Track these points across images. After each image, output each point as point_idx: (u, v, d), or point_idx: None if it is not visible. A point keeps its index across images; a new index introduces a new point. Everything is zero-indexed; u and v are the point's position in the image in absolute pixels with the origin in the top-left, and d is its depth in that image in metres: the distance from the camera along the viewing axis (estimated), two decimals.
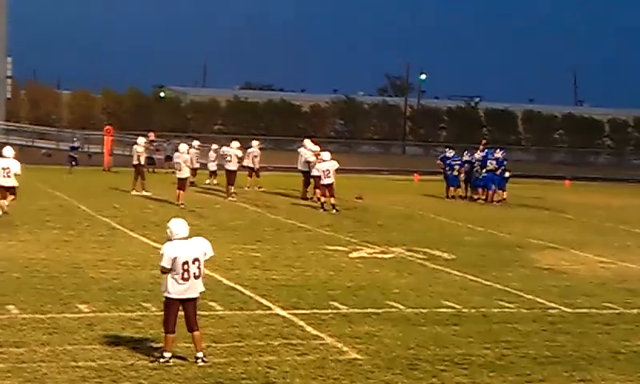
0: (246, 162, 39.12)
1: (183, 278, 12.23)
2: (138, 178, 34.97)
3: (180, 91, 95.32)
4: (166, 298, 12.34)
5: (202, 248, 12.48)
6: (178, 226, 12.46)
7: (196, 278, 12.33)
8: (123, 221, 26.48)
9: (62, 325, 14.06)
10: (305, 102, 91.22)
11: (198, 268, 12.33)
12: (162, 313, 12.38)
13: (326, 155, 32.41)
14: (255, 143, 40.87)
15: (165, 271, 12.27)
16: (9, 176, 26.38)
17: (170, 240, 12.36)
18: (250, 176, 39.45)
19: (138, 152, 35.77)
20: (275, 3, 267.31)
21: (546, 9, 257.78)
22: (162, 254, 12.29)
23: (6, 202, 26.33)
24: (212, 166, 41.22)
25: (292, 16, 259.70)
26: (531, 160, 79.21)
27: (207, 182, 40.24)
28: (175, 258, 12.20)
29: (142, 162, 35.65)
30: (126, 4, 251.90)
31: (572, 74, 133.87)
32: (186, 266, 12.22)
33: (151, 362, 12.23)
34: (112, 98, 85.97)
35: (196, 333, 12.41)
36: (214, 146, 42.04)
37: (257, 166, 39.89)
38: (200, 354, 12.35)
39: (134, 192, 34.42)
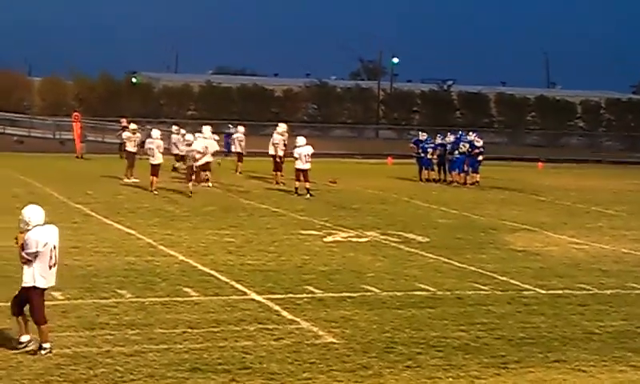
0: (233, 148, 40.35)
1: (50, 266, 11.90)
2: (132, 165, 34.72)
3: (152, 77, 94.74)
4: (34, 287, 11.84)
5: (56, 236, 12.13)
6: (36, 212, 12.10)
7: (53, 266, 12.02)
8: (96, 207, 26.35)
9: None
10: (278, 87, 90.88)
11: (56, 256, 12.03)
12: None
13: (300, 140, 32.38)
14: (241, 128, 41.05)
15: (30, 259, 11.80)
16: (152, 155, 31.25)
17: (27, 229, 11.93)
18: (240, 161, 39.75)
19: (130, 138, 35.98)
20: None
21: None
22: (28, 242, 11.80)
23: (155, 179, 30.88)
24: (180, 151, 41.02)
25: (264, 0, 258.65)
26: (504, 142, 79.34)
27: (176, 166, 40.02)
28: (46, 243, 11.88)
29: (135, 149, 35.46)
30: None
31: (544, 57, 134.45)
32: (52, 253, 11.94)
33: (32, 353, 11.87)
34: (84, 84, 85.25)
35: (44, 325, 11.96)
36: (182, 131, 41.89)
37: (244, 151, 40.17)
38: (47, 345, 11.92)
39: (128, 180, 33.90)
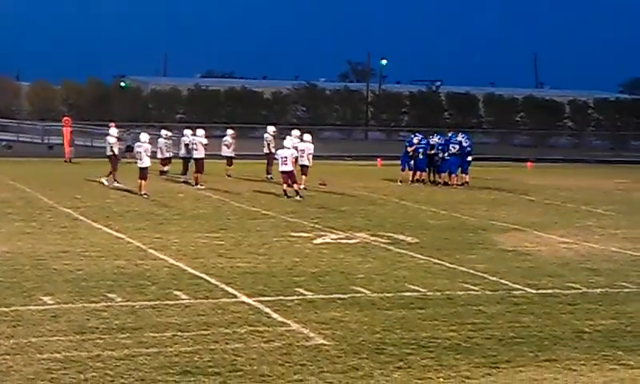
0: (224, 152, 40.14)
1: None
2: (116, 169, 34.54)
3: (141, 81, 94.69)
4: None
5: None
6: None
7: None
8: (86, 212, 26.31)
9: (26, 317, 13.96)
10: (266, 90, 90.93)
11: None
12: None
13: (286, 142, 32.50)
14: (230, 132, 41.04)
15: None
16: (141, 158, 31.10)
17: None
18: (229, 164, 39.75)
19: (110, 143, 35.51)
20: None
21: None
22: None
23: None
24: (166, 154, 40.84)
25: (252, 3, 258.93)
26: (493, 143, 79.52)
27: (165, 169, 39.88)
28: None
29: (116, 153, 35.22)
30: None
31: (532, 57, 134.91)
32: None
33: None
34: (72, 88, 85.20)
35: None
36: (168, 133, 41.54)
37: (232, 154, 40.22)
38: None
39: (113, 184, 33.76)
